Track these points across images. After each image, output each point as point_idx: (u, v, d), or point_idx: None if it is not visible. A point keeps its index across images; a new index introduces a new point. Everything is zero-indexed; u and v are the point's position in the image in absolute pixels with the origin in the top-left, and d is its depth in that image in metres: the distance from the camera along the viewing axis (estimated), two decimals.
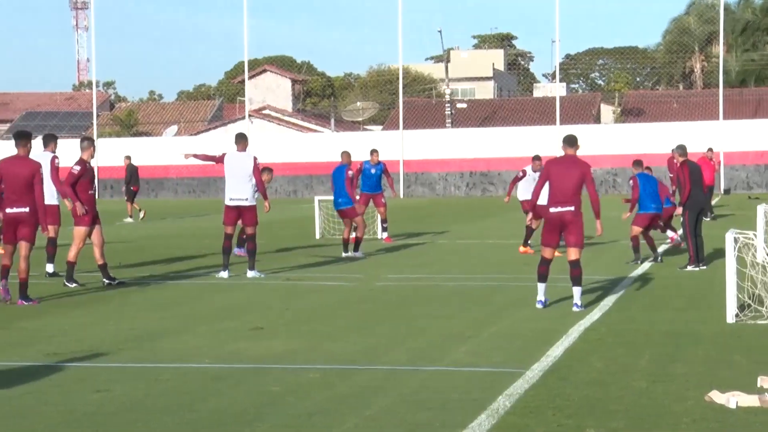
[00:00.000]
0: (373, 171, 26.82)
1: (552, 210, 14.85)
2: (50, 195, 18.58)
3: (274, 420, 8.77)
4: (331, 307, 15.57)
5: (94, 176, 18.55)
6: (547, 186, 15.10)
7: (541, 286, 14.98)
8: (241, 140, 19.43)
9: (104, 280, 18.11)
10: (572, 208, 14.85)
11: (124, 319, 14.40)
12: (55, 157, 18.50)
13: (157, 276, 19.76)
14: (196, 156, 20.20)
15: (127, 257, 23.13)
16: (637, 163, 22.24)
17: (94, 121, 71.69)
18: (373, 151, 27.41)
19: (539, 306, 14.90)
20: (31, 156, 19.05)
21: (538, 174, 22.92)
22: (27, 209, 15.89)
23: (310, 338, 12.74)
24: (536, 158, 24.12)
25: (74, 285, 17.84)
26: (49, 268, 19.03)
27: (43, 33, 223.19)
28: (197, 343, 12.49)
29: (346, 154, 24.03)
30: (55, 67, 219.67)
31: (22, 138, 16.19)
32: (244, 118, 73.74)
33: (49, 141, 19.12)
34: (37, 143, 17.81)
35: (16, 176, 15.88)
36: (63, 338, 12.85)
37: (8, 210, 15.93)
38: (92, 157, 18.40)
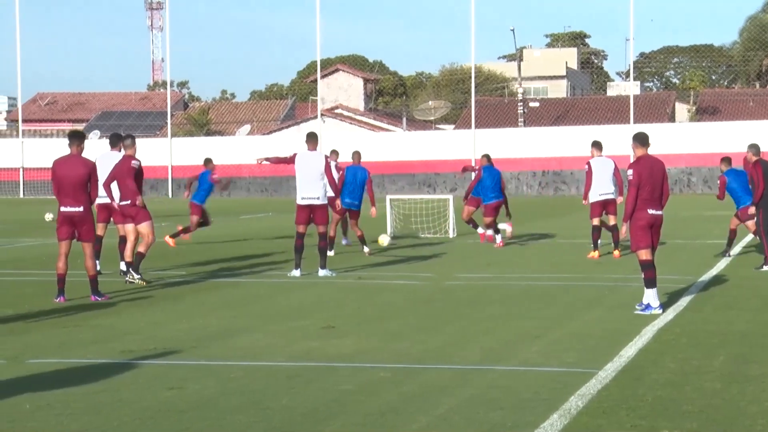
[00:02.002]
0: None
1: (650, 212, 14.61)
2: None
3: (345, 418, 8.78)
4: (401, 306, 15.57)
5: (143, 173, 18.64)
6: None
7: (654, 292, 14.53)
8: (312, 139, 19.53)
9: (129, 277, 18.28)
10: (662, 212, 14.78)
11: (197, 317, 14.51)
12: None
13: (230, 274, 19.89)
14: (268, 160, 20.31)
15: (200, 256, 23.33)
16: (725, 160, 22.37)
17: (168, 121, 72.34)
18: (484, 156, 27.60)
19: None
20: (102, 155, 19.36)
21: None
22: (81, 208, 16.06)
23: (380, 337, 12.75)
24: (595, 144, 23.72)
25: (138, 278, 18.02)
26: (123, 266, 19.26)
27: (119, 33, 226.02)
28: (269, 341, 12.55)
29: (357, 154, 24.80)
30: (130, 67, 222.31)
31: (75, 138, 16.38)
32: (316, 117, 74.05)
33: (117, 141, 19.37)
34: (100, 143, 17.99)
35: (68, 176, 16.05)
36: (137, 336, 12.97)
37: (63, 209, 16.11)
38: (135, 153, 18.54)
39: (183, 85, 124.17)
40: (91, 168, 16.19)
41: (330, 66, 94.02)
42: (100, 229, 19.82)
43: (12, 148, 73.78)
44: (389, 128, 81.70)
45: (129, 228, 18.43)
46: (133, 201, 18.07)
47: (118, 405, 9.27)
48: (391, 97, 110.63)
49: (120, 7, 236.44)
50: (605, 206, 22.94)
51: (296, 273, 19.33)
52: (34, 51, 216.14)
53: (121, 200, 18.26)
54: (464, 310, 15.06)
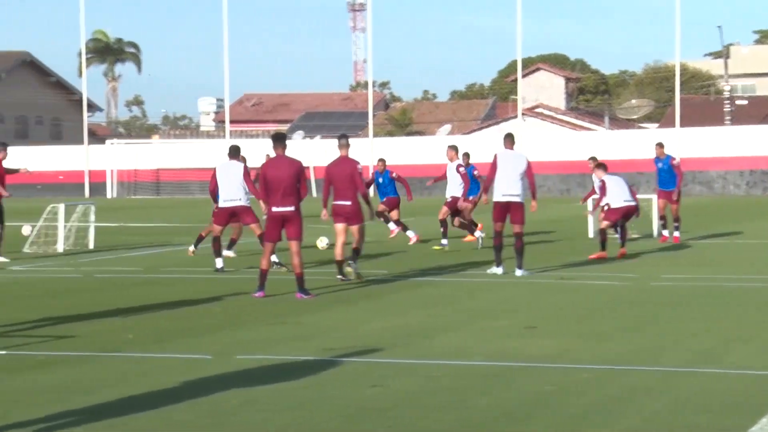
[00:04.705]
0: None
1: None
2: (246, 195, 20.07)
3: (546, 419, 8.70)
4: (603, 307, 15.35)
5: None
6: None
7: None
8: (509, 139, 19.45)
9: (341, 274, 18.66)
10: None
11: (395, 316, 14.59)
12: (245, 163, 20.24)
13: (429, 273, 19.95)
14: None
15: (400, 255, 23.48)
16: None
17: (370, 121, 73.11)
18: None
19: None
20: (222, 164, 20.50)
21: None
22: (292, 208, 16.41)
23: (583, 337, 12.60)
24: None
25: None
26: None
27: (322, 35, 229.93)
28: (469, 340, 12.53)
29: (382, 161, 28.47)
30: (332, 68, 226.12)
31: (279, 139, 16.85)
32: (516, 116, 73.75)
33: (236, 152, 20.29)
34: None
35: (278, 177, 16.44)
36: (338, 333, 13.13)
37: (274, 209, 16.48)
38: (348, 154, 18.59)
39: (384, 85, 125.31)
40: (299, 168, 16.57)
41: (531, 65, 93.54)
42: (257, 229, 20.18)
43: (220, 149, 75.71)
44: (591, 127, 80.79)
45: (339, 228, 18.48)
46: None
47: (321, 401, 9.39)
48: (593, 95, 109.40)
49: (323, 9, 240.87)
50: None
51: (498, 270, 19.25)
52: (241, 53, 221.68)
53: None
54: (670, 311, 14.75)
